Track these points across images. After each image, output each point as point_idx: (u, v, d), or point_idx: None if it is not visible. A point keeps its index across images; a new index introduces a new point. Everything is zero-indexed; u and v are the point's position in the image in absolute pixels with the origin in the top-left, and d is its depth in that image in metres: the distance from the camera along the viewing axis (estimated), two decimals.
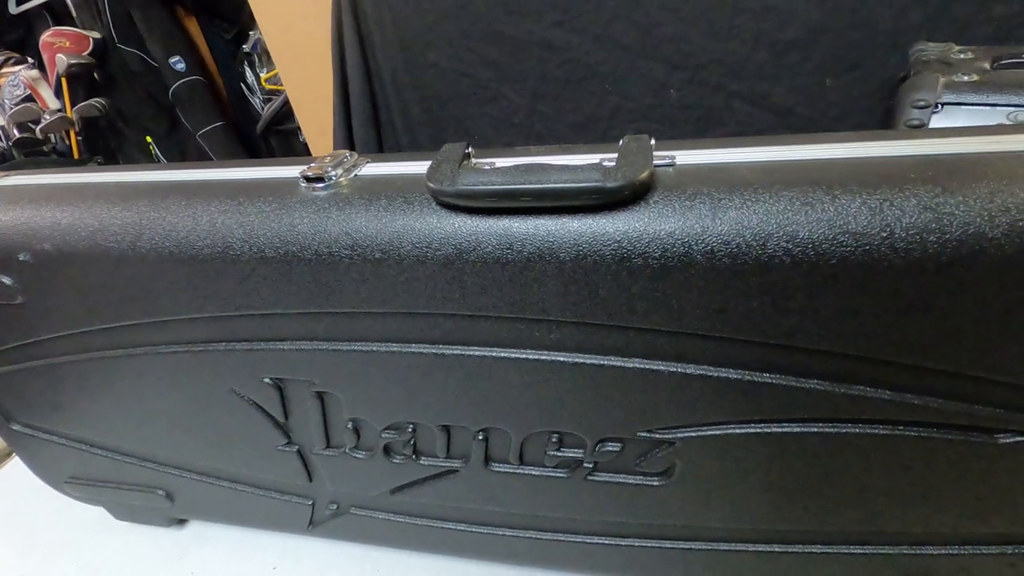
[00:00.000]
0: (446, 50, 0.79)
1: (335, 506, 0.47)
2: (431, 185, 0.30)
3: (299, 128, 1.05)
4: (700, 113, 0.72)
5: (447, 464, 0.41)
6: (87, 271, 0.37)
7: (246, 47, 1.50)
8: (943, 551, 0.35)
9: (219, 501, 0.50)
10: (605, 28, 0.72)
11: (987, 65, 0.48)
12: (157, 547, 0.54)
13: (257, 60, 1.51)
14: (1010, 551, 0.34)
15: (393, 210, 0.32)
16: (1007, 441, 0.30)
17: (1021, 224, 0.24)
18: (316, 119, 0.96)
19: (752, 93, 0.70)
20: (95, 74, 1.49)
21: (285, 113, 1.43)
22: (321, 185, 0.34)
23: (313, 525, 0.49)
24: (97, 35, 1.45)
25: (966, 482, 0.32)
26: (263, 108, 1.53)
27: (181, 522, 0.56)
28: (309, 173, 0.34)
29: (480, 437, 0.39)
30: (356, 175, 0.35)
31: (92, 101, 1.48)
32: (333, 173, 0.34)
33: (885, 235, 0.26)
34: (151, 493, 0.51)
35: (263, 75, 1.50)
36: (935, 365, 0.28)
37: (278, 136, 1.52)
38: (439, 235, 0.31)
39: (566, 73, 0.75)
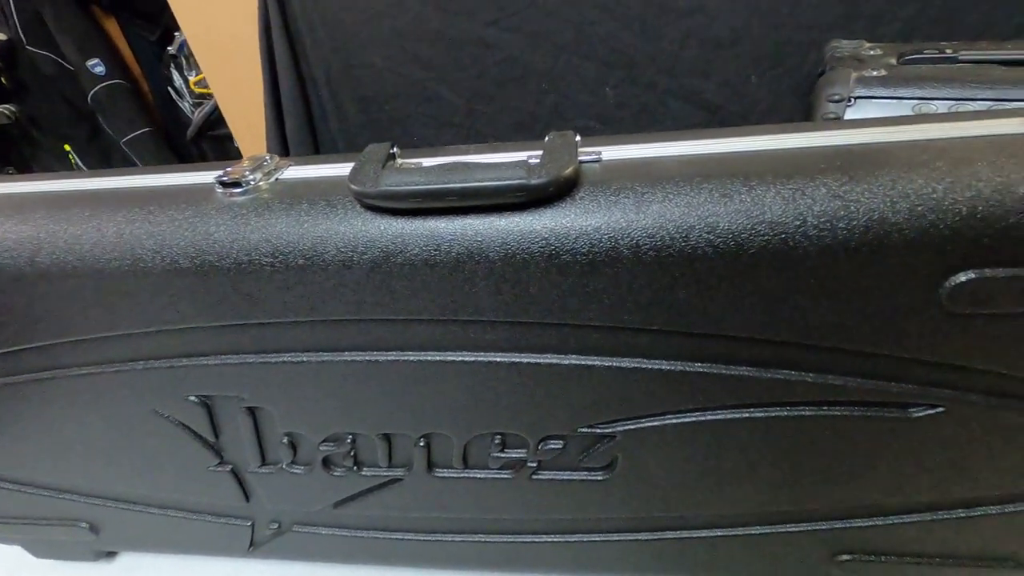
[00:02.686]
0: (380, 50, 0.77)
1: (276, 525, 0.45)
2: (353, 187, 0.29)
3: None
4: (636, 110, 0.74)
5: (390, 473, 0.40)
6: None
7: (171, 49, 1.43)
8: (870, 523, 0.37)
9: (150, 530, 0.47)
10: (540, 27, 0.72)
11: (894, 60, 0.51)
12: None
13: (185, 62, 1.43)
14: (929, 518, 0.36)
15: (315, 214, 0.30)
16: (920, 415, 0.32)
17: (919, 209, 0.26)
18: (248, 123, 0.92)
19: (684, 90, 0.71)
20: (2, 79, 1.38)
21: (218, 118, 1.37)
22: (239, 190, 0.33)
23: (254, 547, 0.47)
24: (3, 36, 1.34)
25: (886, 456, 0.34)
26: (193, 112, 1.46)
27: (110, 555, 0.52)
28: (225, 178, 0.33)
29: (422, 443, 0.38)
30: (277, 179, 0.34)
31: (1, 108, 1.37)
32: (251, 177, 0.33)
33: (799, 223, 0.26)
34: (73, 527, 0.48)
35: (192, 78, 1.43)
36: (851, 346, 0.30)
37: (211, 142, 1.45)
38: (364, 238, 0.30)
39: (503, 72, 0.75)
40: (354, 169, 0.30)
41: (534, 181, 0.27)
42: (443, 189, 0.28)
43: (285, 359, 0.35)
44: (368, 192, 0.29)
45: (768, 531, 0.39)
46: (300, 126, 0.83)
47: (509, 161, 0.28)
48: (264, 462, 0.41)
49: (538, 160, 0.29)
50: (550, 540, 0.42)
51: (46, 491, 0.45)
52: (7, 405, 0.40)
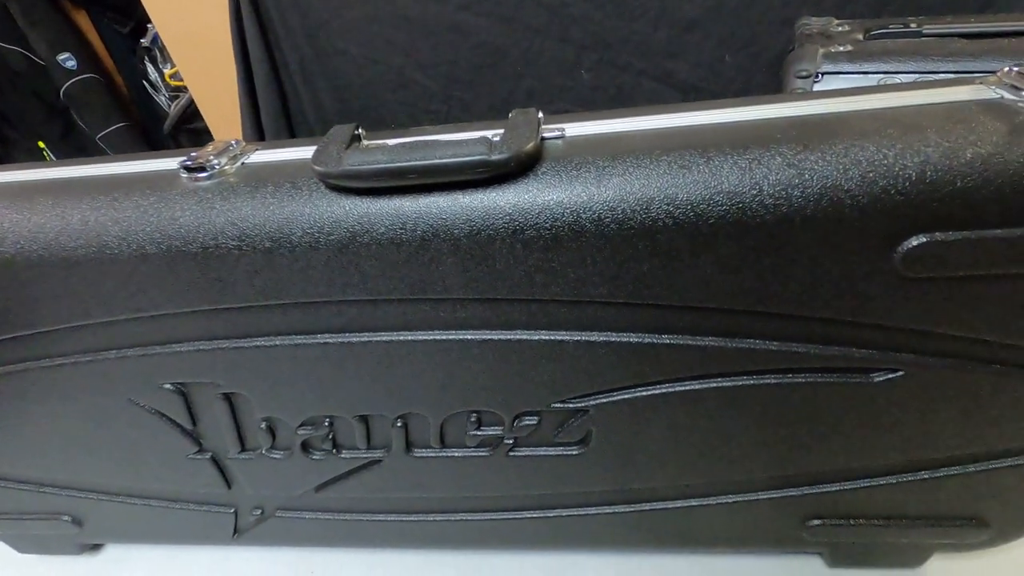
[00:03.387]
0: (354, 36, 0.76)
1: (259, 511, 0.46)
2: (317, 168, 0.29)
3: None
4: (611, 92, 0.74)
5: (369, 455, 0.40)
6: None
7: (145, 41, 1.40)
8: (838, 487, 0.38)
9: (133, 521, 0.47)
10: (513, 10, 0.72)
11: (860, 36, 0.52)
12: None
13: (159, 55, 1.41)
14: (895, 480, 0.37)
15: (280, 196, 0.30)
16: (881, 379, 0.33)
17: (871, 175, 0.26)
18: (223, 115, 0.91)
19: (658, 71, 0.72)
20: None
21: (195, 111, 1.35)
22: (204, 175, 0.32)
23: (238, 534, 0.47)
24: None
25: (851, 421, 0.35)
26: (170, 106, 1.43)
27: (95, 548, 0.52)
28: (190, 163, 0.33)
29: (399, 424, 0.38)
30: (243, 163, 0.34)
31: None
32: (216, 162, 0.33)
33: (755, 192, 0.27)
34: (56, 520, 0.48)
35: (167, 71, 1.41)
36: (811, 313, 0.30)
37: (189, 135, 1.43)
38: (330, 219, 0.30)
39: (478, 57, 0.75)
40: (317, 150, 0.30)
41: (495, 157, 0.28)
42: (405, 167, 0.28)
43: (258, 343, 0.35)
44: (331, 172, 0.29)
45: (741, 499, 0.40)
46: (275, 116, 0.82)
47: (470, 138, 0.28)
48: (243, 448, 0.41)
49: (499, 137, 0.29)
50: (529, 516, 0.42)
51: (26, 485, 0.45)
52: None
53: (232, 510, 0.45)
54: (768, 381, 0.33)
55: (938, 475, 0.37)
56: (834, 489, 0.38)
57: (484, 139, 0.28)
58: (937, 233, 0.27)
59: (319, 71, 0.80)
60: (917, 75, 0.46)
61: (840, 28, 0.54)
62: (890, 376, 0.33)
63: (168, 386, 0.38)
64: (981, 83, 0.30)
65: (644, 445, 0.37)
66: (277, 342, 0.35)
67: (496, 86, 0.77)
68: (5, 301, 0.34)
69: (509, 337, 0.33)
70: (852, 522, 0.40)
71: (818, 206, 0.27)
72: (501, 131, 0.30)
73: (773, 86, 0.70)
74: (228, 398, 0.38)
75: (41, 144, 1.45)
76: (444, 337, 0.34)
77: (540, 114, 0.31)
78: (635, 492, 0.41)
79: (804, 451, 0.37)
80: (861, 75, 0.48)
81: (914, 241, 0.27)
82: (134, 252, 0.31)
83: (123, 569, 0.51)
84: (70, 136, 1.45)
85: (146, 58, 1.43)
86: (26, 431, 0.42)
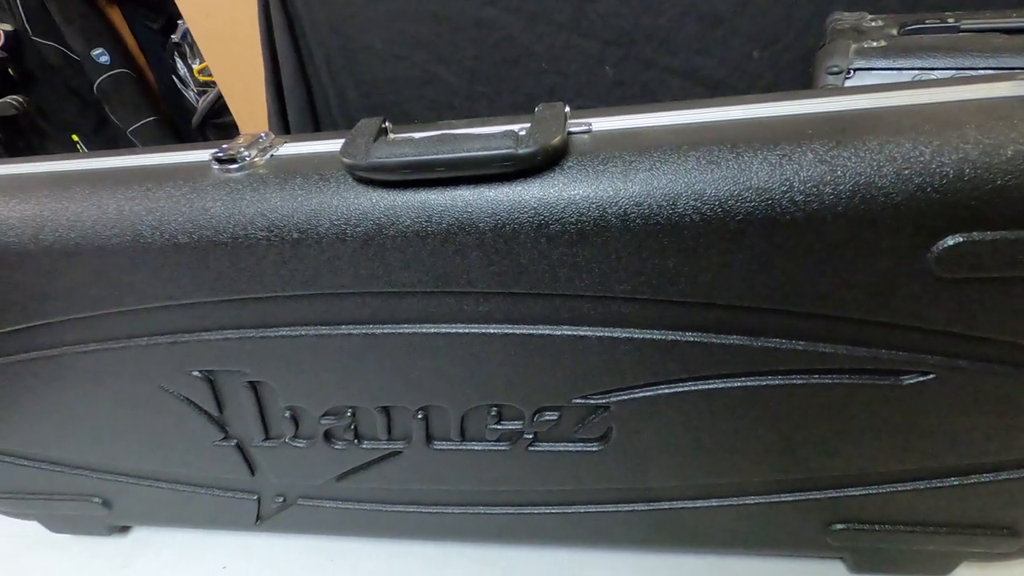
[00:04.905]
0: (379, 32, 0.77)
1: (281, 499, 0.46)
2: (345, 160, 0.30)
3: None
4: (636, 89, 0.73)
5: (389, 446, 0.41)
6: None
7: (175, 37, 1.43)
8: (864, 492, 0.37)
9: (160, 504, 0.48)
10: (538, 5, 0.72)
11: (895, 31, 0.51)
12: (99, 558, 0.52)
13: (188, 51, 1.44)
14: (923, 486, 0.37)
15: (309, 188, 0.31)
16: (911, 382, 0.32)
17: (906, 172, 0.25)
18: (250, 110, 0.92)
19: (684, 67, 0.71)
20: (9, 69, 1.39)
21: (222, 105, 1.37)
22: (235, 167, 0.33)
23: (261, 520, 0.48)
24: (9, 27, 1.35)
25: (879, 424, 0.34)
26: (198, 101, 1.46)
27: (123, 529, 0.54)
28: (221, 155, 0.33)
29: (420, 416, 0.39)
30: (272, 155, 0.34)
31: (8, 99, 1.38)
32: (247, 154, 0.33)
33: (785, 189, 0.26)
34: (87, 502, 0.49)
35: (196, 66, 1.43)
36: (841, 313, 0.30)
37: (216, 130, 1.45)
38: (357, 211, 0.30)
39: (502, 53, 0.75)
40: (346, 143, 0.30)
41: (521, 151, 0.28)
42: (432, 160, 0.28)
43: (284, 333, 0.36)
44: (359, 164, 0.29)
45: (762, 501, 0.39)
46: (301, 111, 0.83)
47: (497, 132, 0.29)
48: (267, 436, 0.42)
49: (526, 131, 0.29)
50: (548, 511, 0.42)
51: (60, 467, 0.47)
52: (19, 382, 0.42)
53: (255, 497, 0.46)
54: (794, 381, 0.33)
55: (968, 482, 0.36)
56: (859, 493, 0.38)
57: (511, 133, 0.28)
58: (974, 233, 0.26)
59: (345, 66, 0.81)
60: (954, 72, 0.45)
61: (873, 23, 0.53)
62: (921, 379, 0.32)
63: (196, 373, 0.39)
64: (1022, 79, 0.29)
65: (665, 443, 0.37)
66: (302, 332, 0.35)
67: (520, 82, 0.77)
68: (42, 288, 0.35)
69: (531, 332, 0.33)
70: (877, 527, 0.39)
71: (850, 204, 0.26)
72: (528, 125, 0.30)
73: (802, 83, 0.69)
74: (254, 386, 0.39)
75: (75, 137, 1.49)
76: (466, 330, 0.34)
77: (567, 108, 0.31)
78: (654, 491, 0.40)
79: (829, 454, 0.36)
80: (895, 71, 0.46)
81: (950, 240, 0.26)
82: (167, 241, 0.32)
83: (150, 551, 0.52)
84: (103, 130, 1.48)
85: (176, 54, 1.46)
86: (60, 414, 0.43)
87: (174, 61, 1.48)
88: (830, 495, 0.38)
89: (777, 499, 0.39)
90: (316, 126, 0.86)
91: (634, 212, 0.28)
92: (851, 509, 0.38)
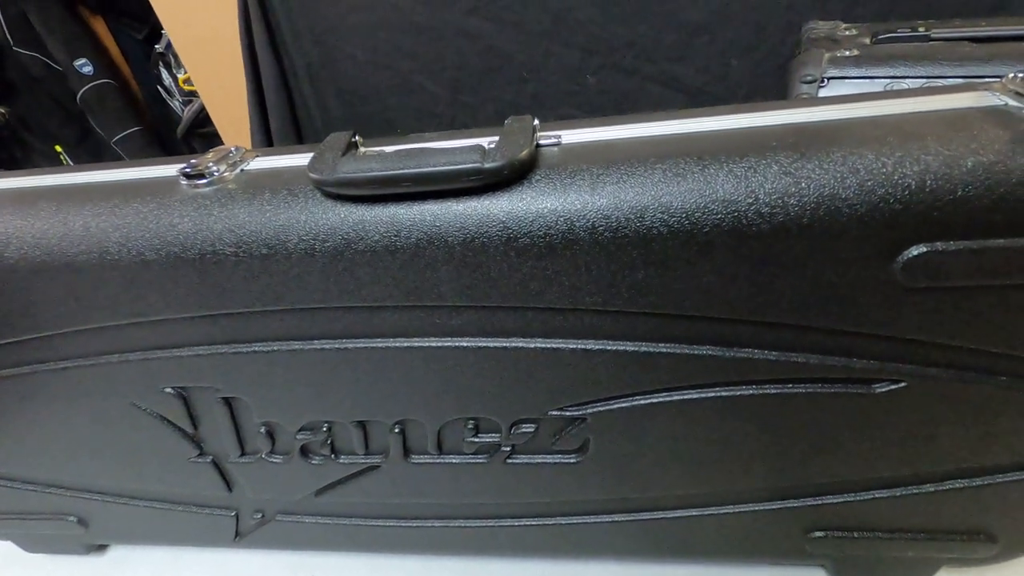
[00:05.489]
0: (361, 42, 0.77)
1: (260, 515, 0.46)
2: (312, 175, 0.30)
3: None
4: (616, 97, 0.74)
5: (367, 460, 0.41)
6: None
7: (159, 47, 1.42)
8: (842, 499, 0.37)
9: (137, 522, 0.48)
10: (519, 15, 0.72)
11: (867, 40, 0.51)
12: None
13: (173, 60, 1.43)
14: (900, 493, 0.37)
15: (277, 203, 0.31)
16: (883, 390, 0.32)
17: (869, 184, 0.26)
18: (232, 119, 0.92)
19: (664, 75, 0.71)
20: None
21: (207, 115, 1.37)
22: (203, 182, 0.33)
23: (240, 536, 0.47)
24: None
25: (853, 432, 0.34)
26: (183, 111, 1.45)
27: (100, 548, 0.53)
28: (189, 170, 0.33)
29: (396, 430, 0.38)
30: (242, 170, 0.34)
31: None
32: (215, 169, 0.33)
33: (751, 201, 0.27)
34: (62, 521, 0.48)
35: (181, 76, 1.43)
36: (810, 323, 0.30)
37: (201, 140, 1.45)
38: (325, 226, 0.30)
39: (484, 62, 0.75)
40: (313, 158, 0.30)
41: (488, 165, 0.28)
42: (398, 175, 0.28)
43: (256, 349, 0.35)
44: (326, 180, 0.29)
45: (741, 510, 0.39)
46: (283, 121, 0.83)
47: (465, 146, 0.28)
48: (243, 452, 0.41)
49: (494, 145, 0.29)
50: (527, 523, 0.42)
51: (34, 486, 0.46)
52: None
53: (233, 513, 0.46)
54: (767, 391, 0.33)
55: (944, 488, 0.36)
56: (837, 501, 0.38)
57: (478, 147, 0.28)
58: (938, 243, 0.26)
59: (326, 76, 0.80)
60: (925, 80, 0.45)
61: (847, 32, 0.54)
62: (892, 387, 0.32)
63: (169, 390, 0.38)
64: (986, 89, 0.30)
65: (643, 454, 0.37)
66: (275, 347, 0.35)
67: (502, 91, 0.77)
68: (9, 305, 0.35)
69: (505, 344, 0.33)
70: (856, 535, 0.39)
71: (815, 215, 0.26)
72: (495, 138, 0.30)
73: (780, 91, 0.70)
74: (228, 402, 0.39)
75: (58, 148, 1.48)
76: (439, 344, 0.34)
77: (536, 121, 0.31)
78: (634, 501, 0.40)
79: (805, 462, 0.36)
80: (867, 80, 0.47)
81: (914, 251, 0.27)
82: (134, 258, 0.32)
83: (127, 569, 0.51)
84: (86, 140, 1.47)
85: (160, 63, 1.45)
86: (32, 433, 0.43)
87: (159, 71, 1.47)
88: (808, 503, 0.38)
89: (756, 508, 0.39)
90: (298, 136, 0.86)
91: (602, 225, 0.28)
92: (830, 517, 0.38)
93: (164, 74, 1.47)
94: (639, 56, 0.71)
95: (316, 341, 0.35)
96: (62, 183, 0.35)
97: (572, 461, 0.38)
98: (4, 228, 0.33)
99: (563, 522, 0.42)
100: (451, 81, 0.78)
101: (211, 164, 0.33)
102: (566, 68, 0.74)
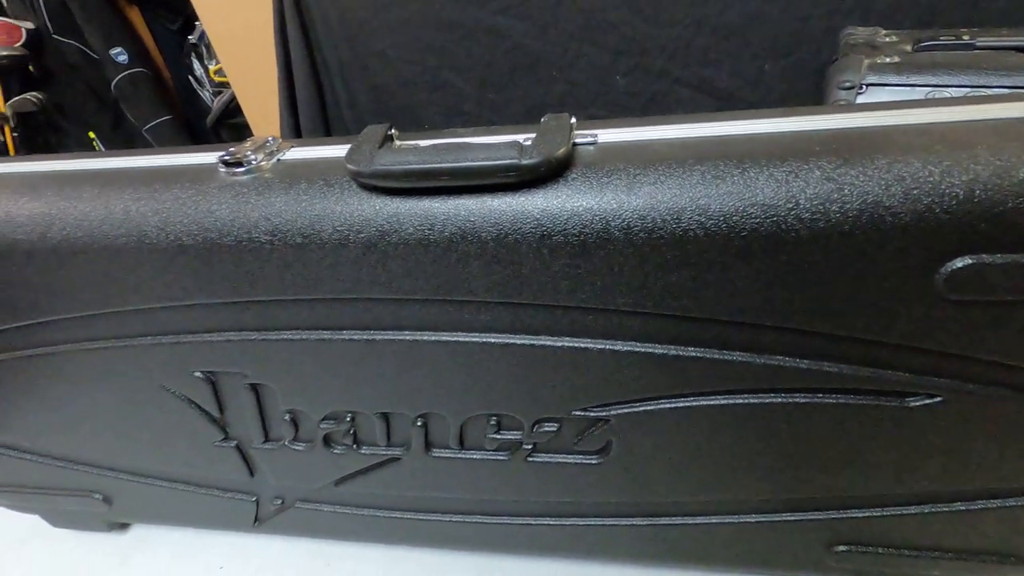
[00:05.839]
0: (392, 37, 0.77)
1: (280, 501, 0.46)
2: (349, 167, 0.30)
3: None
4: (646, 99, 0.73)
5: (388, 452, 0.41)
6: None
7: (192, 38, 1.45)
8: (867, 513, 0.37)
9: (160, 502, 0.48)
10: (550, 14, 0.72)
11: (909, 47, 0.50)
12: (98, 553, 0.52)
13: (205, 51, 1.46)
14: (928, 510, 0.36)
15: (313, 193, 0.31)
16: (918, 404, 0.31)
17: (915, 192, 0.25)
18: (263, 112, 0.93)
19: (695, 78, 0.71)
20: (30, 67, 1.42)
21: (237, 106, 1.38)
22: (241, 170, 0.33)
23: (259, 522, 0.48)
24: (31, 25, 1.38)
25: (882, 446, 0.34)
26: (213, 101, 1.48)
27: (122, 526, 0.54)
28: (228, 158, 0.33)
29: (419, 423, 0.39)
30: (279, 160, 0.35)
31: (27, 95, 1.40)
32: (253, 158, 0.34)
33: (791, 206, 0.26)
34: (87, 498, 0.49)
35: (212, 67, 1.45)
36: (846, 333, 0.29)
37: (230, 130, 1.47)
38: (360, 217, 0.30)
39: (513, 60, 0.75)
40: (351, 149, 0.30)
41: (525, 161, 0.27)
42: (436, 168, 0.28)
43: (285, 336, 0.36)
44: (363, 171, 0.29)
45: (762, 520, 0.39)
46: (313, 114, 0.84)
47: (502, 142, 0.29)
48: (267, 438, 0.42)
49: (531, 141, 0.29)
50: (545, 522, 0.42)
51: (62, 462, 0.47)
52: (25, 378, 0.42)
53: (254, 498, 0.46)
54: (797, 400, 0.32)
55: (974, 507, 0.35)
56: (863, 515, 0.37)
57: (515, 143, 0.28)
58: (984, 255, 0.26)
59: (357, 71, 0.81)
60: (969, 90, 0.44)
61: (887, 39, 0.53)
62: (927, 401, 0.31)
63: (198, 374, 0.39)
64: None
65: (665, 458, 0.37)
66: (303, 336, 0.36)
67: (530, 90, 0.77)
68: (49, 285, 0.36)
69: (532, 342, 0.33)
70: (880, 550, 0.38)
71: (857, 222, 0.26)
72: (533, 135, 0.30)
73: (814, 97, 0.68)
74: (255, 389, 0.39)
75: (91, 135, 1.51)
76: (467, 339, 0.34)
77: (573, 119, 0.31)
78: (653, 505, 0.40)
79: (832, 474, 0.35)
80: (908, 88, 0.46)
81: (959, 263, 0.26)
82: (172, 242, 0.32)
83: (148, 548, 0.52)
84: (119, 128, 1.51)
85: (193, 54, 1.48)
86: (63, 411, 0.44)
87: (191, 62, 1.50)
88: (833, 516, 0.37)
89: (779, 518, 0.38)
90: (327, 129, 0.87)
91: (637, 225, 0.28)
92: (854, 531, 0.38)
93: (196, 65, 1.49)
94: (671, 58, 0.70)
95: (345, 331, 0.35)
96: (104, 167, 0.36)
97: (593, 462, 0.38)
98: (48, 209, 0.34)
99: (580, 523, 0.42)
100: (479, 79, 0.79)
101: (249, 153, 0.34)
102: (596, 69, 0.73)
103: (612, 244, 0.28)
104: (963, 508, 0.35)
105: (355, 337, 0.35)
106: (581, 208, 0.28)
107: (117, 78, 1.40)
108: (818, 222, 0.26)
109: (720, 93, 0.71)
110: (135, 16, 1.46)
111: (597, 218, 0.28)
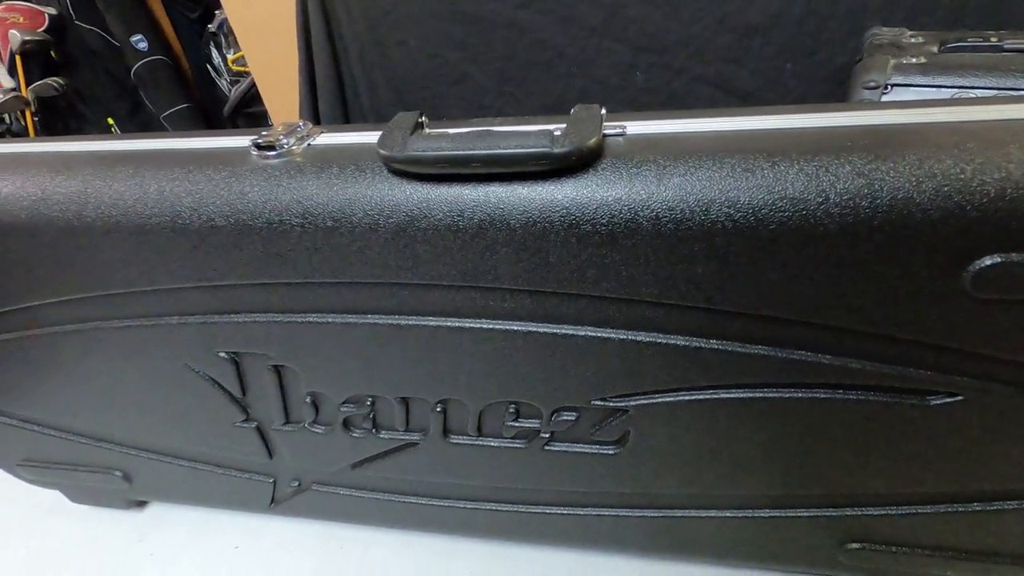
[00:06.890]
0: (413, 29, 0.78)
1: (297, 483, 0.47)
2: (382, 152, 0.30)
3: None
4: (665, 96, 0.73)
5: (406, 437, 0.41)
6: (30, 243, 0.36)
7: (212, 27, 1.46)
8: (883, 512, 0.37)
9: (178, 481, 0.49)
10: (571, 9, 0.72)
11: (935, 48, 0.50)
12: (115, 530, 0.53)
13: (224, 40, 1.47)
14: (944, 510, 0.36)
15: (344, 177, 0.31)
16: (938, 403, 0.32)
17: (946, 189, 0.25)
18: (283, 100, 0.94)
19: (715, 76, 0.70)
20: (52, 52, 1.43)
21: (254, 95, 1.40)
22: (273, 153, 0.34)
23: (275, 503, 0.49)
24: (53, 11, 1.40)
25: (902, 444, 0.34)
26: (230, 90, 1.49)
27: (140, 504, 0.55)
28: (260, 141, 0.34)
29: (438, 409, 0.39)
30: (310, 144, 0.35)
31: (49, 80, 1.42)
32: (285, 142, 0.34)
33: (821, 200, 0.26)
34: (108, 474, 0.50)
35: (230, 56, 1.46)
36: (870, 329, 0.29)
37: (247, 119, 1.48)
38: (390, 202, 0.31)
39: (533, 54, 0.75)
40: (383, 135, 0.31)
41: (557, 150, 0.28)
42: (468, 155, 0.28)
43: (311, 319, 0.36)
44: (395, 156, 0.30)
45: (777, 515, 0.39)
46: (333, 104, 0.85)
47: (534, 130, 0.29)
48: (287, 420, 0.43)
49: (562, 131, 0.29)
50: (560, 511, 0.43)
51: (84, 439, 0.48)
52: (49, 353, 0.43)
53: (271, 480, 0.47)
54: (817, 395, 0.33)
55: (992, 508, 0.35)
56: (877, 513, 0.37)
57: (547, 132, 0.29)
58: (1012, 254, 0.26)
59: (377, 62, 0.82)
60: (996, 91, 0.44)
61: (913, 40, 0.53)
62: (948, 400, 0.31)
63: (223, 354, 0.39)
64: None
65: (682, 450, 0.37)
66: (329, 319, 0.36)
67: (549, 84, 0.77)
68: (83, 263, 0.36)
69: (555, 331, 0.33)
70: (894, 549, 0.38)
71: (887, 218, 0.26)
72: (563, 125, 0.30)
73: (834, 98, 0.68)
74: (277, 370, 0.40)
75: (110, 120, 1.53)
76: (490, 326, 0.34)
77: (603, 110, 0.31)
78: (667, 498, 0.40)
79: (849, 471, 0.36)
80: (934, 89, 0.46)
81: (987, 261, 0.26)
82: (204, 223, 0.33)
83: (165, 526, 0.53)
84: (137, 114, 1.52)
85: (211, 43, 1.49)
86: (87, 388, 0.44)
87: (209, 50, 1.51)
88: (847, 513, 0.38)
89: (792, 514, 0.39)
90: (346, 119, 0.87)
91: (666, 217, 0.28)
92: (868, 529, 0.38)
93: (214, 53, 1.51)
94: (691, 56, 0.70)
95: (370, 316, 0.35)
96: (138, 148, 0.37)
97: (610, 452, 0.38)
98: (84, 188, 0.34)
99: (594, 513, 0.42)
100: (499, 72, 0.79)
101: (281, 137, 0.34)
102: (616, 64, 0.73)
103: (640, 235, 0.29)
104: (980, 509, 0.35)
105: (380, 321, 0.35)
106: (611, 198, 0.28)
107: (137, 65, 1.42)
108: (847, 217, 0.26)
109: (740, 92, 0.71)
110: (156, 4, 1.48)
111: (626, 208, 0.28)
